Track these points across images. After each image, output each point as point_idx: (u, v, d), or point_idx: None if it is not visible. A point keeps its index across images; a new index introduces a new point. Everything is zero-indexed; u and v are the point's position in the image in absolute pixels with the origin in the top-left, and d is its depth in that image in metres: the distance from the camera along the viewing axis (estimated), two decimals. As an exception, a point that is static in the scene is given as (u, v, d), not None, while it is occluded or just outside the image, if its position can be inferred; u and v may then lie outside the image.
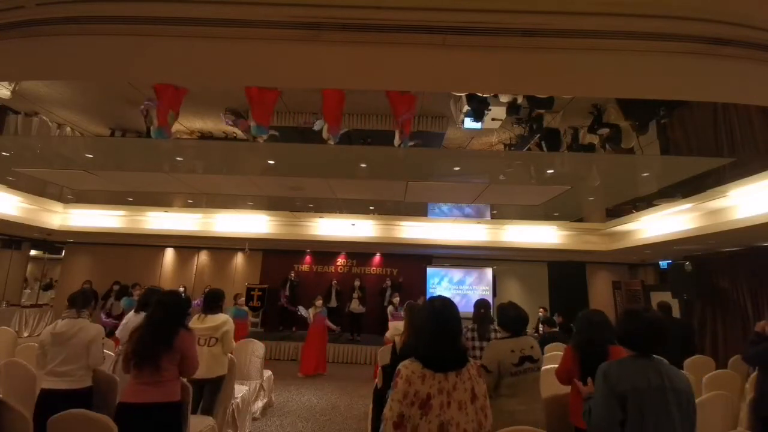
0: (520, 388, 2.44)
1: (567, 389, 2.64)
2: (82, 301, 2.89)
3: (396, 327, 4.55)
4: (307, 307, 7.58)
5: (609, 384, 1.71)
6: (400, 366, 1.62)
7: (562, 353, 3.04)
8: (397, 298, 7.80)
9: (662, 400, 1.66)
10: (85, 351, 2.71)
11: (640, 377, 1.70)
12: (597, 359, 2.02)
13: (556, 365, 2.81)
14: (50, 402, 2.51)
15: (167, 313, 2.49)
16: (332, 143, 4.23)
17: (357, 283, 9.95)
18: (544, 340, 5.82)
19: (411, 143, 4.35)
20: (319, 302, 7.60)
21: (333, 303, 9.51)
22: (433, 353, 1.61)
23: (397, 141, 4.33)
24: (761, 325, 3.67)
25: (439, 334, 1.64)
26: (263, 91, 4.10)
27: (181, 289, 8.42)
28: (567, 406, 2.59)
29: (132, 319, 3.79)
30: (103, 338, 2.82)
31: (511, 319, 2.69)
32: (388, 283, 10.14)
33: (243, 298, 7.84)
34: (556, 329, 6.73)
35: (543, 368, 3.64)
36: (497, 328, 3.30)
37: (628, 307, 1.99)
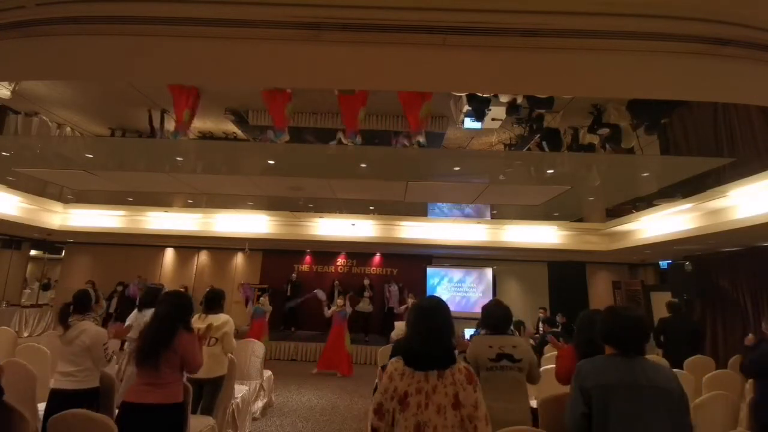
0: (493, 384, 2.46)
1: (566, 389, 2.63)
2: (85, 303, 2.94)
3: (400, 327, 4.56)
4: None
5: (577, 380, 1.78)
6: (388, 362, 1.72)
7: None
8: (411, 300, 7.69)
9: (634, 398, 1.67)
10: (87, 353, 2.76)
11: (609, 374, 1.73)
12: None
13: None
14: (58, 401, 2.59)
15: (171, 311, 2.51)
16: (350, 144, 4.24)
17: (366, 282, 9.89)
18: (544, 341, 5.83)
19: (422, 140, 4.32)
20: (340, 302, 7.59)
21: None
22: (413, 351, 1.66)
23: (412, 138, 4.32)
24: (749, 339, 3.86)
25: (423, 332, 1.67)
26: (277, 93, 4.15)
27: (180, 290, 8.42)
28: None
29: (135, 318, 3.80)
30: (105, 343, 2.83)
31: (494, 318, 2.72)
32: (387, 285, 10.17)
33: (265, 296, 7.77)
34: (557, 329, 6.73)
35: (543, 368, 3.64)
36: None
37: (609, 306, 2.01)
